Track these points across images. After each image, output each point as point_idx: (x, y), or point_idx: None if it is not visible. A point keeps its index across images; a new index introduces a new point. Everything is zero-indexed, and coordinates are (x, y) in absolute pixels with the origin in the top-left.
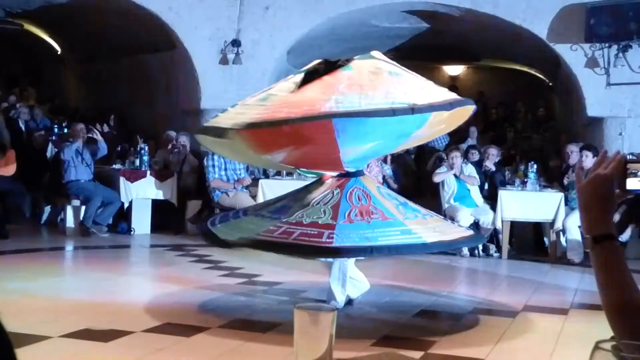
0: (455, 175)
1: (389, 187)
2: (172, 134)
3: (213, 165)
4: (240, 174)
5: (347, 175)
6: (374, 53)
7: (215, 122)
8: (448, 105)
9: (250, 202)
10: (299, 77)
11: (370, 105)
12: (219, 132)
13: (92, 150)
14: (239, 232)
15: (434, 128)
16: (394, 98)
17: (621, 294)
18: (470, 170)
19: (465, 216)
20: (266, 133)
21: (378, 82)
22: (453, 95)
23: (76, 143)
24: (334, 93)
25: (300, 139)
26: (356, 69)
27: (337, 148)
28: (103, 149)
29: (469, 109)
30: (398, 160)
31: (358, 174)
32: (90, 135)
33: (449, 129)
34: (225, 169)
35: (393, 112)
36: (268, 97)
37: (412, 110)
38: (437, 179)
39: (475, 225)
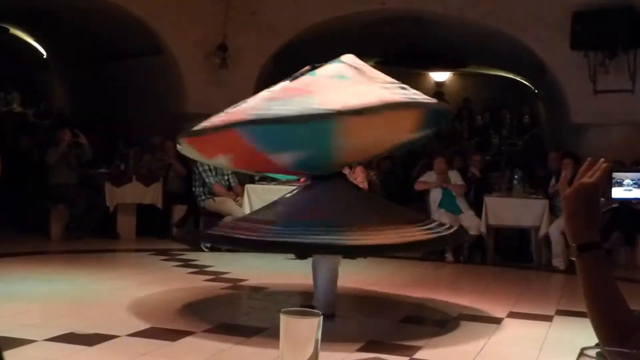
0: (442, 186)
1: (375, 192)
2: (159, 139)
3: (210, 169)
4: (227, 179)
5: (318, 177)
6: (345, 57)
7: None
8: (361, 110)
9: (236, 208)
10: (282, 83)
11: (280, 111)
12: (178, 141)
13: (78, 154)
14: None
15: (364, 133)
16: (310, 104)
17: (606, 301)
18: (455, 177)
19: (449, 222)
20: (199, 141)
21: (317, 87)
22: (396, 98)
23: (61, 147)
24: (266, 100)
25: (218, 146)
26: (319, 74)
27: (261, 154)
28: (88, 153)
29: (415, 112)
30: (384, 166)
31: (329, 177)
32: (75, 139)
33: (401, 133)
34: (215, 174)
35: (286, 119)
36: (239, 104)
37: (309, 117)
38: (418, 187)
39: None
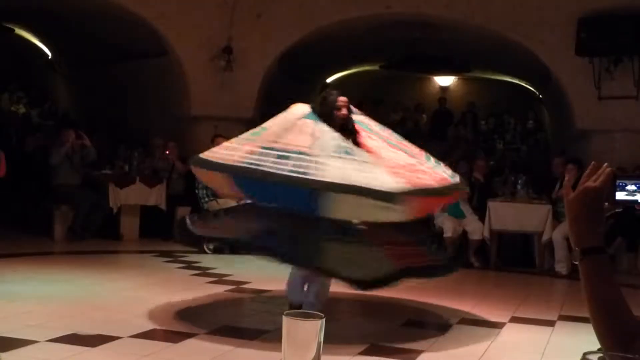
0: None
1: None
2: (161, 140)
3: None
4: None
5: None
6: (356, 117)
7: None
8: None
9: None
10: (302, 109)
11: (271, 168)
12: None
13: (82, 155)
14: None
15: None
16: (306, 168)
17: (609, 306)
18: None
19: (452, 227)
20: (197, 170)
21: (316, 149)
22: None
23: (65, 148)
24: (269, 143)
25: (212, 179)
26: (322, 133)
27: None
28: (92, 154)
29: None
30: None
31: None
32: (80, 141)
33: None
34: None
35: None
36: (259, 131)
37: (295, 182)
38: None
39: (463, 235)
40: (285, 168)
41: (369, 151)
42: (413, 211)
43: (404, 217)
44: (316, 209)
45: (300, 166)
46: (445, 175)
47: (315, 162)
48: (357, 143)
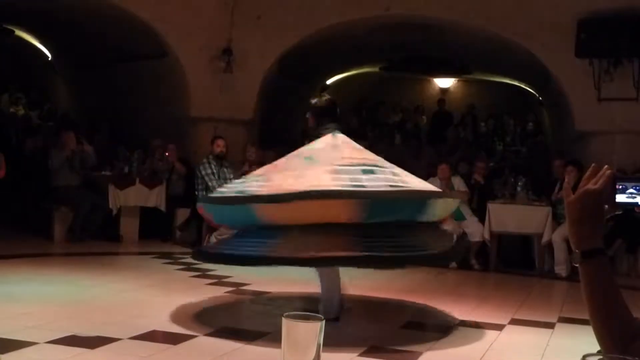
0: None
1: None
2: (160, 141)
3: (213, 173)
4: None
5: None
6: (337, 135)
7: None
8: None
9: None
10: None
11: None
12: None
13: (82, 157)
14: None
15: (287, 216)
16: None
17: (608, 308)
18: (458, 183)
19: (452, 229)
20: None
21: (279, 167)
22: (323, 186)
23: (65, 152)
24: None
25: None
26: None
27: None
28: (92, 160)
29: (340, 203)
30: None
31: None
32: (80, 146)
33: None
34: (218, 177)
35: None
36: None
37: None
38: None
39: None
40: (381, 184)
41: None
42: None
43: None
44: (419, 215)
45: (390, 179)
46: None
47: (395, 174)
48: None
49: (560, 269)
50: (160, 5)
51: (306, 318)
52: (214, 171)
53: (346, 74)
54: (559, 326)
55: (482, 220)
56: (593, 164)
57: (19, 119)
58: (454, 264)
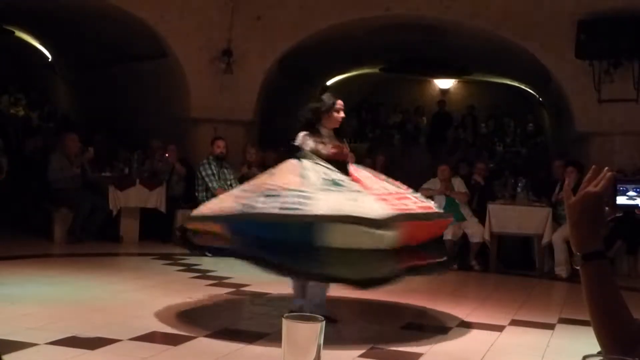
0: (445, 194)
1: None
2: (160, 142)
3: (213, 174)
4: (230, 183)
5: None
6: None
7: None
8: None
9: None
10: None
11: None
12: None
13: (82, 159)
14: None
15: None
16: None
17: (609, 309)
18: (459, 184)
19: (453, 230)
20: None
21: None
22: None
23: (68, 155)
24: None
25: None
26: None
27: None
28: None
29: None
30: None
31: None
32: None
33: None
34: (218, 179)
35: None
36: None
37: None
38: (422, 194)
39: (464, 238)
40: (275, 205)
41: (356, 180)
42: (404, 237)
43: (395, 244)
44: (311, 240)
45: (288, 202)
46: (430, 204)
47: (304, 197)
48: (347, 172)
49: (561, 270)
50: (160, 5)
51: (306, 319)
52: (215, 172)
53: (346, 74)
54: (559, 327)
55: (482, 221)
56: (594, 166)
57: (19, 120)
58: (454, 265)
